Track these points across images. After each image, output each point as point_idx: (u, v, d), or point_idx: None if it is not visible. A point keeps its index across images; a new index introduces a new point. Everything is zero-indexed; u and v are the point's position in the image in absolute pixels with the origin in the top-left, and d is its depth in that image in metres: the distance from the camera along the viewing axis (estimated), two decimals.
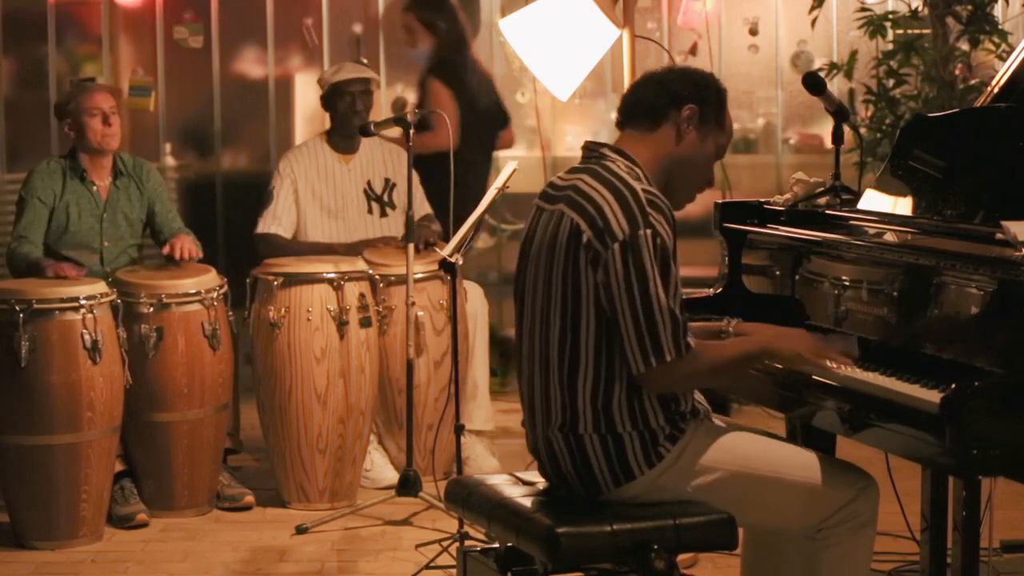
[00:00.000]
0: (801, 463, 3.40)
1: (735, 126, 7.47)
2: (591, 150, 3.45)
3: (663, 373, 3.22)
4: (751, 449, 3.40)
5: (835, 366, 3.36)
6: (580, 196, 3.32)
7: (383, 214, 6.04)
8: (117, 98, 5.62)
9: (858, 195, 3.94)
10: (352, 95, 5.94)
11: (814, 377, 3.44)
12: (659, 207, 3.26)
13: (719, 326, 3.59)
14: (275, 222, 5.94)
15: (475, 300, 5.98)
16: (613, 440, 3.29)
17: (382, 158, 6.09)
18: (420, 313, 5.58)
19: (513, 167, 5.00)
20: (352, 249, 5.85)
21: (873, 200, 3.82)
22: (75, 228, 5.49)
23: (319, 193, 5.98)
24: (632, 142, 3.42)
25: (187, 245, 5.47)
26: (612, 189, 3.29)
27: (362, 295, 5.47)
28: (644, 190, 3.28)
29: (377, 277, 5.57)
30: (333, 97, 5.98)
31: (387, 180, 6.07)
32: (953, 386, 3.03)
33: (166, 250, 5.50)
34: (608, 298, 3.23)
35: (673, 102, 3.41)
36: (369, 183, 6.05)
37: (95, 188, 5.54)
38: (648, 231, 3.22)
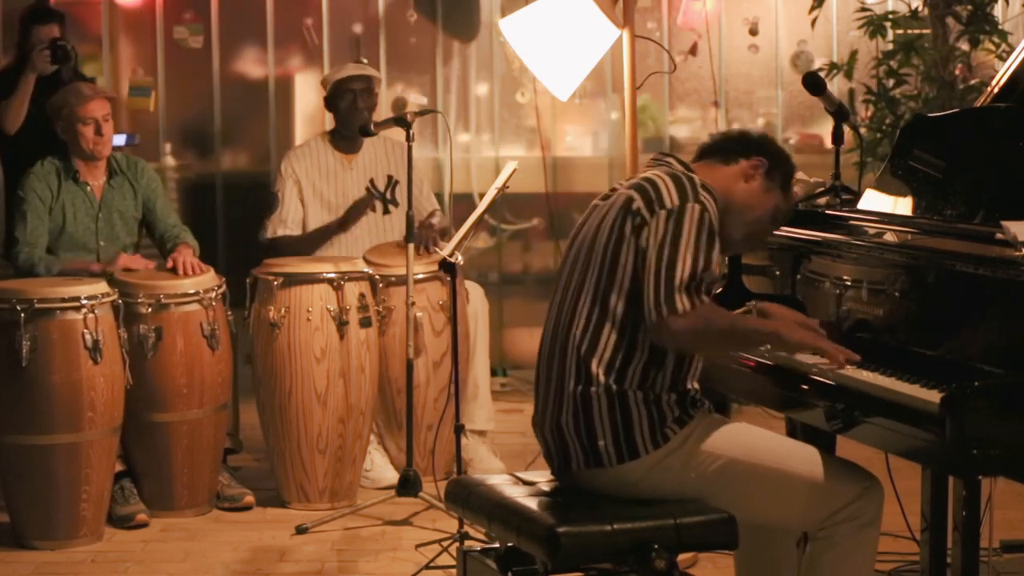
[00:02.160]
0: (806, 458, 3.41)
1: (734, 125, 7.53)
2: (657, 160, 3.58)
3: (674, 322, 3.27)
4: (757, 441, 3.41)
5: (832, 361, 3.37)
6: (640, 179, 3.45)
7: (386, 211, 6.06)
8: (114, 103, 5.61)
9: (858, 195, 3.94)
10: (354, 92, 5.97)
11: (814, 376, 3.45)
12: (712, 193, 3.39)
13: (743, 311, 3.66)
14: (282, 225, 5.96)
15: (476, 300, 5.98)
16: (621, 405, 3.32)
17: (386, 156, 6.10)
18: (419, 314, 5.57)
19: (513, 167, 5.00)
20: (349, 227, 5.88)
21: (873, 200, 3.82)
22: (71, 229, 5.49)
23: (320, 191, 6.00)
24: (700, 169, 3.55)
25: (190, 261, 5.45)
26: (671, 175, 3.42)
27: (362, 295, 5.47)
28: (700, 180, 3.42)
29: (377, 277, 5.58)
30: (335, 97, 6.01)
31: (390, 177, 6.09)
32: (953, 386, 3.03)
33: (169, 265, 5.48)
34: (642, 259, 3.32)
35: (748, 150, 3.58)
36: (372, 181, 6.06)
37: (89, 188, 5.54)
38: (697, 206, 3.34)
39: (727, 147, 3.60)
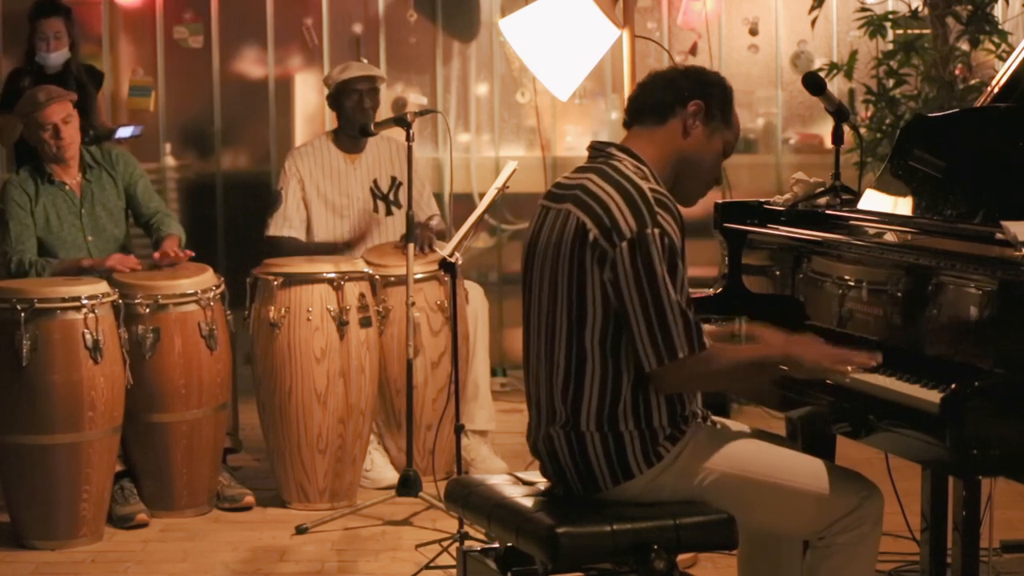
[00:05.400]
0: (803, 470, 3.37)
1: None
2: (597, 150, 3.45)
3: (676, 370, 3.22)
4: (751, 454, 3.38)
5: (854, 369, 3.30)
6: (587, 195, 3.32)
7: (388, 212, 6.06)
8: (74, 103, 5.59)
9: (858, 195, 3.94)
10: (359, 93, 5.95)
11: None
12: (667, 206, 3.27)
13: (731, 329, 3.60)
14: (286, 224, 5.95)
15: (475, 300, 5.97)
16: (614, 439, 3.30)
17: (389, 157, 6.10)
18: (416, 314, 5.57)
19: (513, 167, 5.00)
20: (356, 243, 5.88)
21: (873, 200, 3.82)
22: (58, 230, 5.49)
23: (324, 191, 6.00)
24: (639, 140, 3.43)
25: (176, 251, 5.47)
26: (619, 188, 3.29)
27: (362, 295, 5.47)
28: (652, 189, 3.29)
29: (377, 277, 5.57)
30: (340, 96, 5.98)
31: (394, 179, 6.08)
32: (953, 386, 3.03)
33: (157, 256, 5.49)
34: (617, 296, 3.23)
35: (679, 98, 3.42)
36: (376, 182, 6.06)
37: (68, 187, 5.55)
38: (656, 230, 3.22)
39: (657, 101, 3.42)
